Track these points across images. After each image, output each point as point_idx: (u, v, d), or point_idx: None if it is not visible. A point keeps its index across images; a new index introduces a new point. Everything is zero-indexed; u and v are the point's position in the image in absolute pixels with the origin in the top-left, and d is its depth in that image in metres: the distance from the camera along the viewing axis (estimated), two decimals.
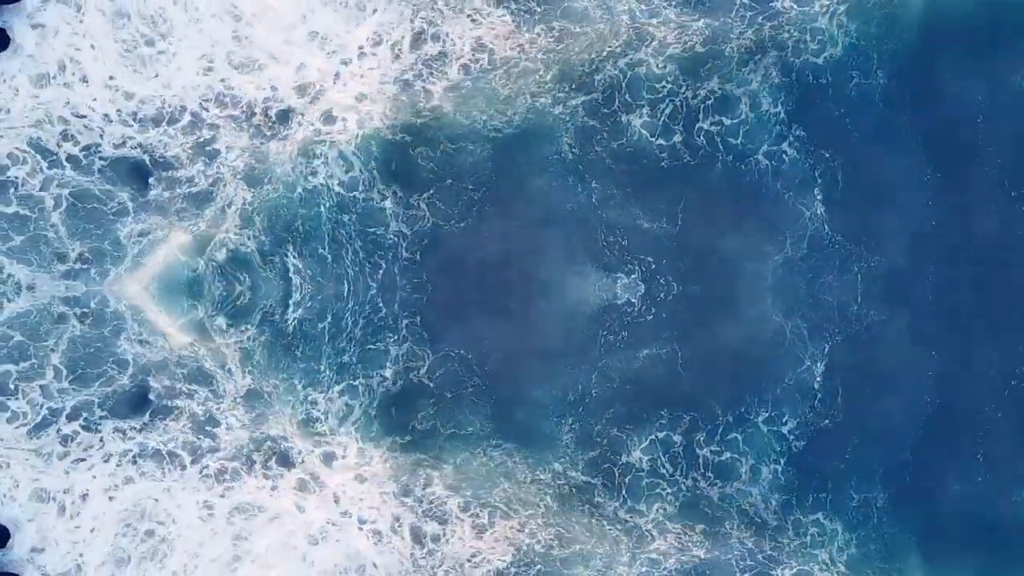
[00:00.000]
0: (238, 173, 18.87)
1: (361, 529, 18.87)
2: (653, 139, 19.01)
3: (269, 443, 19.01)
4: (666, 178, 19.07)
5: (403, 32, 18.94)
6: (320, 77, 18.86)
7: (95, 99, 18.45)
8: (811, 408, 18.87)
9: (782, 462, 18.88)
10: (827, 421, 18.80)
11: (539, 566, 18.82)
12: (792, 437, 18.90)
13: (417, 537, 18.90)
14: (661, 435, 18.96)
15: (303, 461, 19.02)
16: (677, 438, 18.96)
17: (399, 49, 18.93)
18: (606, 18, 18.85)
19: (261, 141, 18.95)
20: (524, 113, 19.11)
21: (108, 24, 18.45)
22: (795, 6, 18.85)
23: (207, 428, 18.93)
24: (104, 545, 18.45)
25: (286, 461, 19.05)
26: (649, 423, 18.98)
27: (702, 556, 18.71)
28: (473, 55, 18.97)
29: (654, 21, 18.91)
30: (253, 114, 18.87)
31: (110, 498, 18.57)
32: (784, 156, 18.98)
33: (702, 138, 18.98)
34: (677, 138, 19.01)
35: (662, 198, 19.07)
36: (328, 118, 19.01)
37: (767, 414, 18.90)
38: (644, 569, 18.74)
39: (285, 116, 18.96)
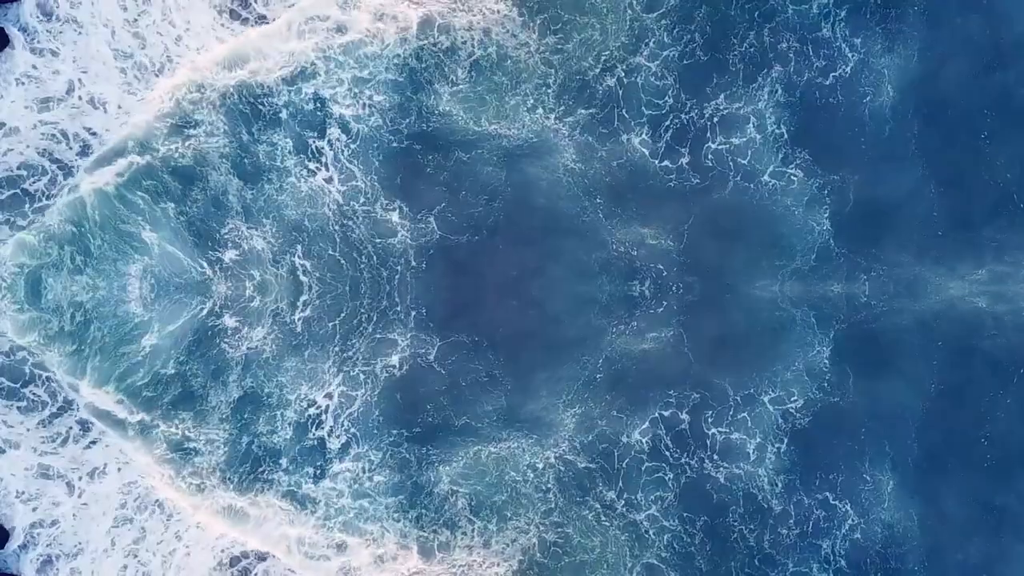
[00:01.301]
0: (226, 159, 18.85)
1: (364, 546, 19.17)
2: (656, 161, 18.93)
3: (256, 453, 19.20)
4: (671, 197, 19.05)
5: (409, 19, 18.75)
6: (314, 66, 18.75)
7: (108, 129, 18.69)
8: (820, 389, 18.96)
9: (786, 441, 19.00)
10: (837, 399, 18.92)
11: None
12: (799, 415, 19.02)
13: (424, 551, 19.16)
14: (667, 413, 19.08)
15: (293, 472, 19.20)
16: (684, 416, 19.10)
17: (406, 34, 18.78)
18: (609, 8, 18.66)
19: (251, 133, 18.90)
20: (530, 125, 18.94)
21: (109, 46, 18.55)
22: (791, 5, 18.70)
23: (185, 447, 19.15)
24: (108, 520, 18.84)
25: (274, 471, 19.20)
26: (654, 404, 19.13)
27: (704, 568, 18.95)
28: (482, 47, 18.78)
29: (653, 15, 18.74)
30: (238, 101, 18.88)
31: (118, 469, 18.92)
32: (793, 177, 18.90)
33: (710, 158, 18.88)
34: (684, 160, 18.92)
35: (668, 216, 19.10)
36: (326, 114, 18.91)
37: (775, 394, 19.01)
38: None
39: (274, 108, 18.88)
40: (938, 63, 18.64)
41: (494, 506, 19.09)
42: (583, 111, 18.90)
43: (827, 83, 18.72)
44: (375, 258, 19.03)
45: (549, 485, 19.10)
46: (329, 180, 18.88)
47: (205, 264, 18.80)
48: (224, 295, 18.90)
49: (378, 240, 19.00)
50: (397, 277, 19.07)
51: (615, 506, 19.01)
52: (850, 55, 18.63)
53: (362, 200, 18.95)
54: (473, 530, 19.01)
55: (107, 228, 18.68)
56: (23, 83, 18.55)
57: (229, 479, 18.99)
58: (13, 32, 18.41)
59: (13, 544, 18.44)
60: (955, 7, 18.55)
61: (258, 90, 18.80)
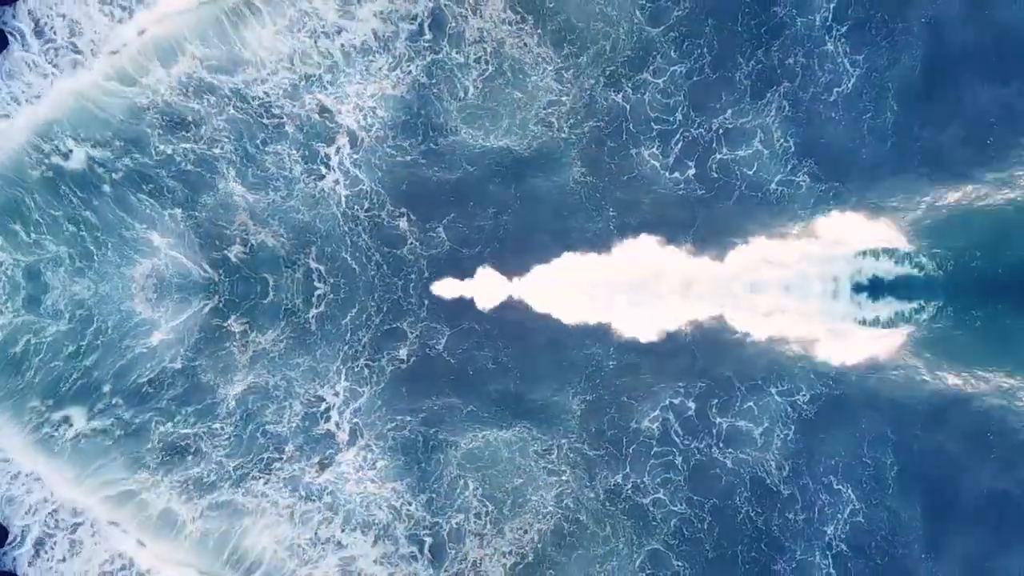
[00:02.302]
0: (231, 165, 18.62)
1: (371, 543, 19.28)
2: (667, 173, 18.91)
3: (261, 447, 19.24)
4: (680, 205, 19.07)
5: (419, 22, 18.44)
6: (320, 78, 18.55)
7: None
8: (825, 384, 19.25)
9: (793, 428, 19.28)
10: (839, 392, 19.20)
11: (551, 571, 19.33)
12: (805, 407, 19.32)
13: (435, 546, 19.27)
14: (676, 401, 19.31)
15: (301, 461, 19.25)
16: (691, 404, 19.36)
17: (416, 44, 18.47)
18: (620, 16, 18.48)
19: (256, 144, 18.71)
20: (540, 140, 18.83)
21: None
22: (798, 16, 18.56)
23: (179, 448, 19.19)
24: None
25: (280, 462, 19.24)
26: (663, 392, 19.36)
27: (710, 555, 19.25)
28: (496, 60, 18.56)
29: (660, 28, 18.62)
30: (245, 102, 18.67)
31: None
32: (801, 184, 18.93)
33: (714, 169, 18.89)
34: (691, 171, 18.92)
35: (677, 223, 19.15)
36: (333, 125, 18.76)
37: (783, 387, 19.29)
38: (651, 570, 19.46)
39: (278, 114, 18.66)
40: (942, 72, 18.64)
41: (507, 490, 19.32)
42: (592, 124, 18.85)
43: (831, 99, 18.71)
44: (385, 267, 19.09)
45: (562, 469, 19.28)
46: (336, 183, 18.85)
47: (210, 267, 18.84)
48: (235, 295, 18.95)
49: (387, 249, 19.04)
50: (412, 285, 19.15)
51: (622, 490, 19.31)
52: (852, 70, 18.61)
53: (367, 205, 18.92)
54: (486, 515, 19.21)
55: (111, 233, 18.65)
56: (32, 103, 18.43)
57: (227, 474, 19.04)
58: (13, 33, 18.19)
59: (13, 542, 18.60)
60: (958, 20, 18.51)
61: (262, 98, 18.62)
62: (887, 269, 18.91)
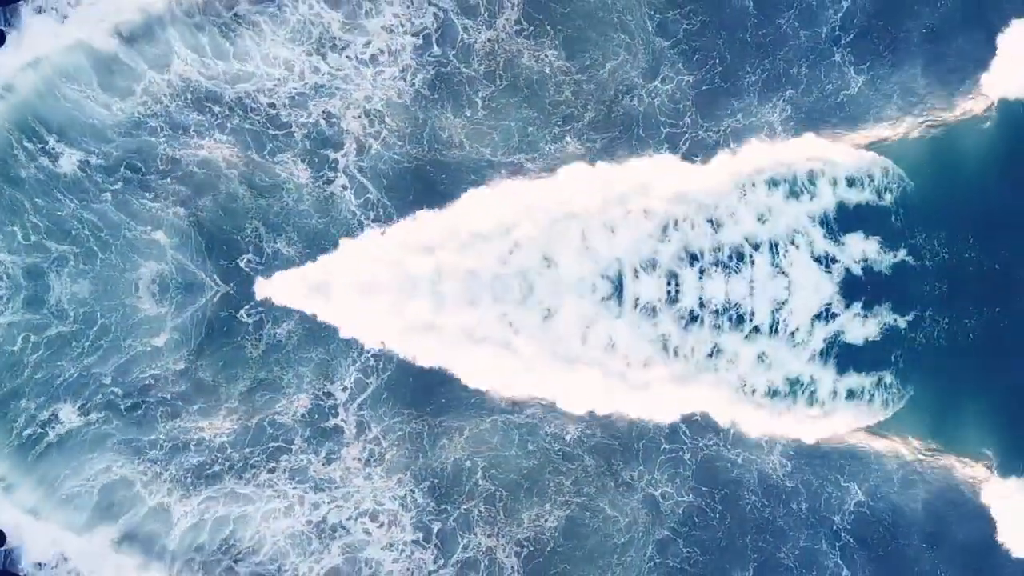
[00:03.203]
0: (234, 168, 18.78)
1: (384, 530, 19.25)
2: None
3: (268, 437, 19.23)
4: None
5: (429, 31, 18.82)
6: (329, 89, 18.79)
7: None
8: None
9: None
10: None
11: (564, 565, 19.35)
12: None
13: (443, 532, 19.27)
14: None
15: (308, 452, 19.22)
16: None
17: (424, 55, 18.86)
18: (632, 25, 18.93)
19: (262, 154, 18.90)
20: (552, 154, 19.07)
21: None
22: (800, 29, 19.21)
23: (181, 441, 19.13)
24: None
25: (288, 454, 19.22)
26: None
27: (720, 541, 19.36)
28: (511, 75, 18.92)
29: (670, 41, 19.10)
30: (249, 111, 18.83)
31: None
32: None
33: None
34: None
35: None
36: (339, 132, 18.95)
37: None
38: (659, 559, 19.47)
39: (285, 123, 18.86)
40: (944, 78, 19.45)
41: (522, 474, 19.36)
42: (605, 136, 19.13)
43: (837, 101, 19.35)
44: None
45: (579, 453, 19.34)
46: (344, 187, 18.96)
47: (221, 280, 18.91)
48: (246, 293, 18.97)
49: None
50: None
51: (635, 481, 19.37)
52: (857, 76, 19.27)
53: (373, 216, 19.02)
54: (499, 501, 19.23)
55: (115, 234, 18.66)
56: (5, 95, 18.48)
57: (231, 464, 18.98)
58: (12, 33, 18.31)
59: (12, 543, 18.39)
60: (960, 28, 19.34)
61: (265, 108, 18.76)
62: (878, 256, 19.45)
